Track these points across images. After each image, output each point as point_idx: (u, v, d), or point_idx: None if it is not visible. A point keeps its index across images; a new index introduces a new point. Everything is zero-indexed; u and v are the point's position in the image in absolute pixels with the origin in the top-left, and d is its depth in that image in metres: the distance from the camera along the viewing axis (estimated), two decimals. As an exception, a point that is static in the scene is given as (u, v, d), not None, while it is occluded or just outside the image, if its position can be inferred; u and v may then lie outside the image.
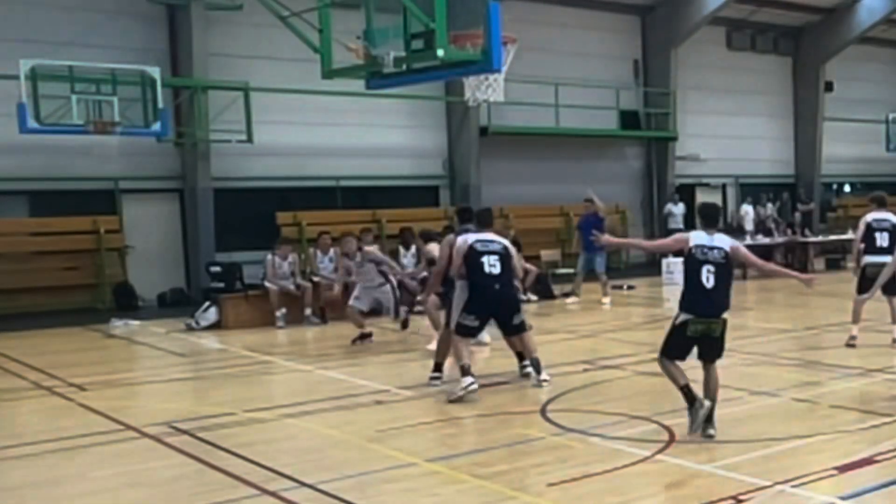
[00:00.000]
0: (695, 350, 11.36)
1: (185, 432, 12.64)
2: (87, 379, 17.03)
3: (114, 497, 10.02)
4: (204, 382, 17.44)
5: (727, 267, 11.33)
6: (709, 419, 11.26)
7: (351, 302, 20.10)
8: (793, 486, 9.40)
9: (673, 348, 11.46)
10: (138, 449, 12.04)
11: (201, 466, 10.98)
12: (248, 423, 13.23)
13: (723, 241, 11.41)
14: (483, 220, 15.07)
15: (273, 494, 9.74)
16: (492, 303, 14.42)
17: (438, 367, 15.30)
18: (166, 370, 18.95)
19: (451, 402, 13.59)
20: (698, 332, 11.18)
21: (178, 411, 14.03)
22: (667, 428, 11.83)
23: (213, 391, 16.15)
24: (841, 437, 11.32)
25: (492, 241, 14.61)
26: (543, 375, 14.81)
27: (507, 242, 15.00)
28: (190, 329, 23.60)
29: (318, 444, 12.14)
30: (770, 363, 16.53)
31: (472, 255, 14.27)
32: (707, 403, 11.18)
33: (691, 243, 11.34)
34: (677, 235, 12.10)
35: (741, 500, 9.07)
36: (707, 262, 11.20)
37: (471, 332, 14.59)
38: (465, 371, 13.89)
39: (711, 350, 11.42)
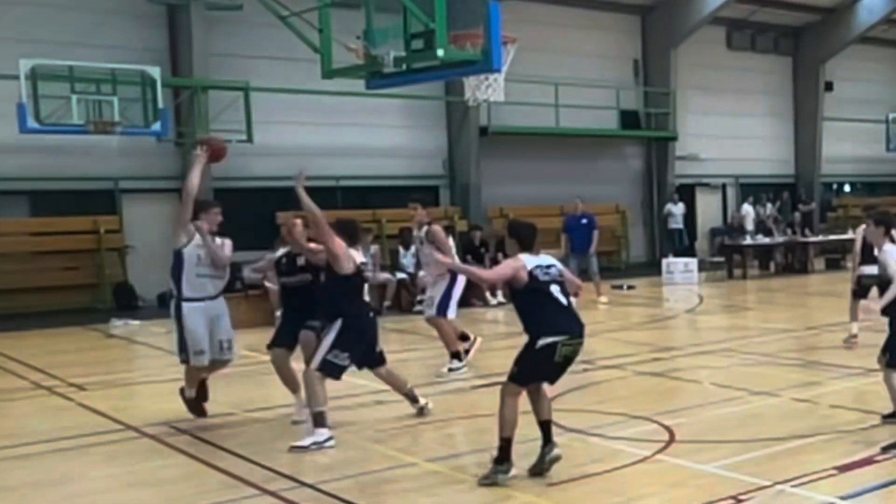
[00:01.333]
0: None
1: (185, 432, 12.66)
2: (87, 379, 17.06)
3: (114, 497, 10.05)
4: (204, 382, 17.44)
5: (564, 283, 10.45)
6: (549, 439, 10.18)
7: None
8: (793, 486, 9.42)
9: (532, 376, 10.12)
10: (139, 449, 12.05)
11: (202, 466, 11.01)
12: (248, 423, 13.25)
13: (549, 258, 10.42)
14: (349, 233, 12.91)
15: (273, 494, 9.77)
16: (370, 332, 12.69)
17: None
18: (166, 370, 18.88)
19: (292, 449, 11.70)
20: (565, 354, 9.97)
21: (178, 411, 14.02)
22: (667, 428, 11.85)
23: (213, 391, 16.07)
24: (841, 437, 11.34)
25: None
26: (422, 402, 13.35)
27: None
28: (190, 329, 23.56)
29: (318, 444, 12.16)
30: (770, 363, 16.55)
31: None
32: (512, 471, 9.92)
33: (529, 266, 10.13)
34: (510, 262, 10.36)
35: (741, 500, 9.09)
36: (553, 280, 10.18)
37: (340, 373, 12.25)
38: (321, 421, 11.95)
39: (562, 374, 10.32)
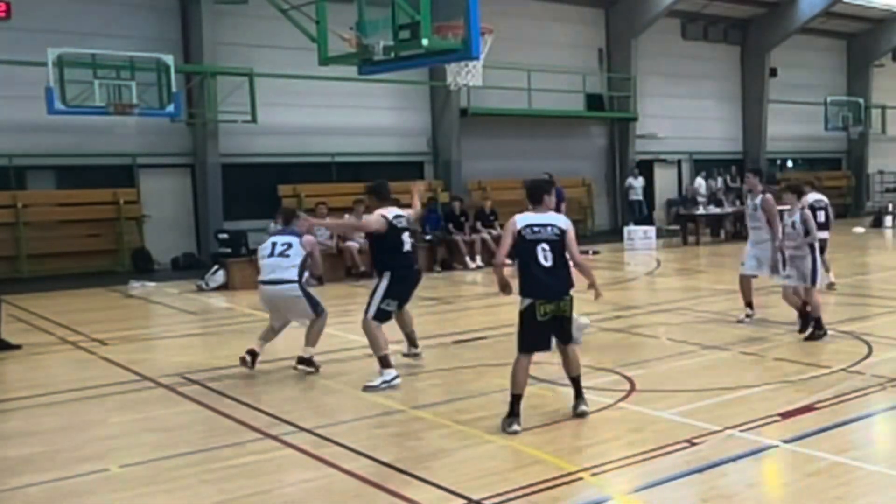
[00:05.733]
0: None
1: (196, 382, 12.64)
2: (108, 334, 17.01)
3: (133, 440, 10.02)
4: (213, 338, 17.41)
5: None
6: (579, 395, 10.23)
7: None
8: (741, 431, 9.42)
9: None
10: (154, 397, 12.04)
11: (211, 413, 10.99)
12: (253, 374, 13.20)
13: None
14: (382, 194, 13.33)
15: (275, 438, 9.75)
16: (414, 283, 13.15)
17: None
18: (179, 326, 18.93)
19: (365, 390, 11.96)
20: None
21: (189, 363, 14.02)
22: (628, 378, 11.84)
23: (221, 345, 16.10)
24: (784, 387, 11.33)
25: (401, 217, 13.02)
26: (419, 349, 13.79)
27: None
28: (200, 290, 23.58)
29: (315, 393, 12.15)
30: (721, 320, 16.54)
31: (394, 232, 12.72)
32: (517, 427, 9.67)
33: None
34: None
35: (695, 443, 9.08)
36: None
37: (389, 317, 12.77)
38: (386, 363, 12.25)
39: None
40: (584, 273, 10.37)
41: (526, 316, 9.82)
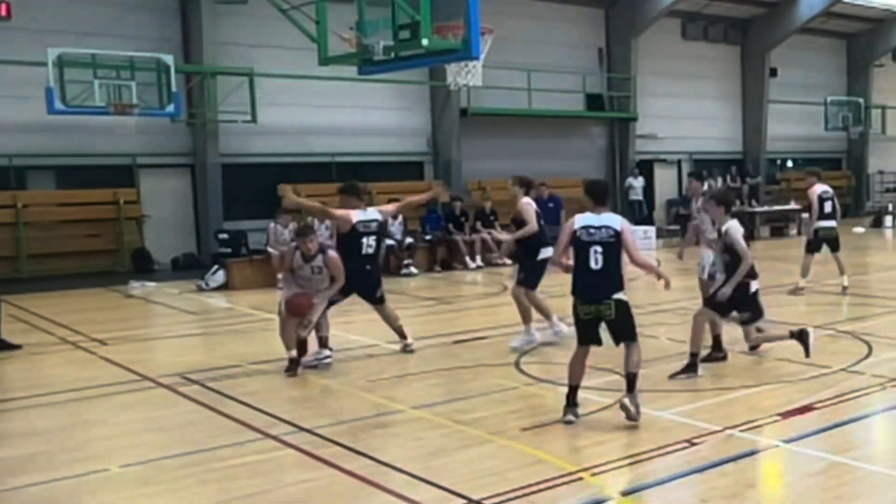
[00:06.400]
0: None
1: (196, 382, 12.63)
2: (108, 334, 17.00)
3: (132, 440, 10.02)
4: (213, 338, 17.40)
5: None
6: (629, 388, 9.92)
7: None
8: (741, 431, 9.42)
9: None
10: (154, 397, 12.04)
11: (210, 413, 10.99)
12: (253, 374, 13.21)
13: None
14: (352, 194, 14.24)
15: (275, 438, 9.75)
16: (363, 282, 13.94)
17: None
18: (179, 326, 18.92)
19: (306, 367, 13.24)
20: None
21: (189, 363, 14.01)
22: (628, 378, 11.83)
23: (222, 345, 16.10)
24: (784, 387, 11.34)
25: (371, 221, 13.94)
26: (409, 340, 14.46)
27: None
28: (200, 290, 23.57)
29: (315, 393, 12.16)
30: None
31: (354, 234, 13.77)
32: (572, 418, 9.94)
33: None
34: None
35: (694, 443, 9.07)
36: None
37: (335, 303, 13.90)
38: (324, 343, 13.63)
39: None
40: (646, 270, 11.16)
41: (574, 313, 10.26)
